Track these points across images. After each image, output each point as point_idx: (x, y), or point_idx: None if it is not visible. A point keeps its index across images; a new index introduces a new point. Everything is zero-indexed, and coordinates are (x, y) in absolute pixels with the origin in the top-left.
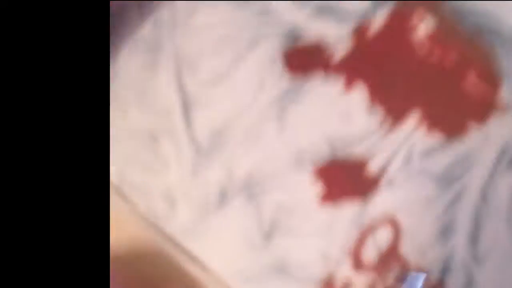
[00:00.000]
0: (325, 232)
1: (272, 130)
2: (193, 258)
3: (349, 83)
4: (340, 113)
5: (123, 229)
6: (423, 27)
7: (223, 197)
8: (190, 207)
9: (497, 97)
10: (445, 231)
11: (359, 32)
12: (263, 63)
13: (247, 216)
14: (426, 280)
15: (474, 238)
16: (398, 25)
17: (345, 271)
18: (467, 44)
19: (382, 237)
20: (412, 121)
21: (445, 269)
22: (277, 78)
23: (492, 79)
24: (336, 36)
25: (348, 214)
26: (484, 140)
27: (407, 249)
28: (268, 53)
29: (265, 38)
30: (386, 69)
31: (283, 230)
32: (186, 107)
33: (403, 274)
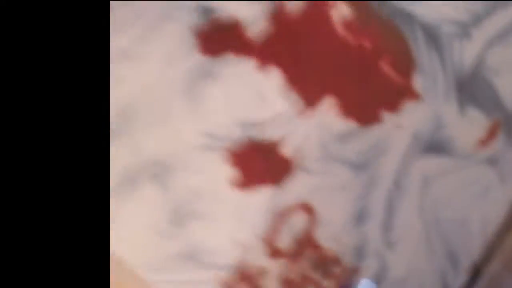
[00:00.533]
0: (237, 217)
1: (181, 109)
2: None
3: (262, 64)
4: (253, 95)
5: None
6: (338, 12)
7: (128, 179)
8: None
9: (410, 86)
10: (359, 217)
11: (275, 12)
12: (173, 38)
13: (154, 200)
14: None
15: (387, 224)
16: (314, 6)
17: (259, 258)
18: (382, 32)
19: (297, 223)
20: (325, 107)
21: (360, 255)
22: (187, 54)
23: (406, 68)
24: (250, 13)
25: (261, 198)
26: (397, 127)
27: (322, 235)
28: (178, 29)
29: (176, 11)
30: (301, 52)
31: (192, 215)
32: None
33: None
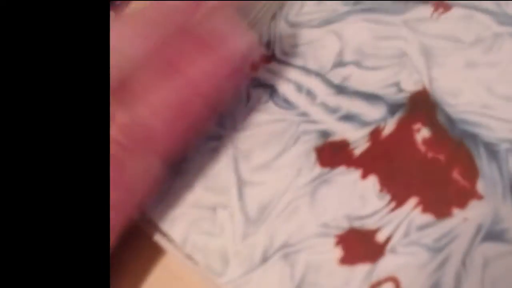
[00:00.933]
0: (342, 286)
1: (305, 207)
2: None
3: (365, 174)
4: (357, 196)
5: (185, 282)
6: (420, 134)
7: (264, 257)
8: (239, 264)
9: (474, 190)
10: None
11: (374, 134)
12: (301, 155)
13: (282, 272)
14: None
15: None
16: (403, 130)
17: None
18: (454, 147)
19: None
20: (411, 204)
21: None
22: (311, 167)
23: (471, 176)
24: (356, 136)
25: (360, 273)
26: (464, 221)
27: None
28: (305, 148)
29: (303, 135)
30: (393, 164)
31: (310, 285)
32: (240, 187)
33: None
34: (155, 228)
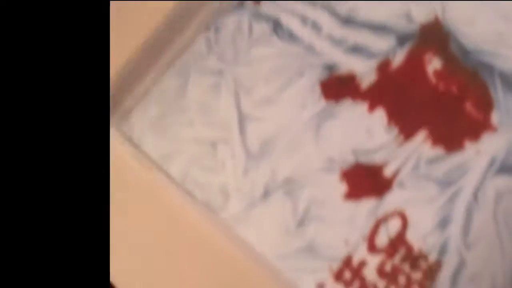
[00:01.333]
0: (347, 222)
1: (309, 142)
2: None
3: (372, 106)
4: (364, 130)
5: (185, 218)
6: (432, 65)
7: (266, 193)
8: (240, 200)
9: (488, 122)
10: (443, 223)
11: (382, 66)
12: (305, 89)
13: (285, 208)
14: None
15: (466, 228)
16: (412, 62)
17: (361, 252)
18: (467, 78)
19: (393, 227)
20: (420, 138)
21: (442, 252)
22: (316, 101)
23: (485, 107)
24: (363, 69)
25: (366, 208)
26: (477, 153)
27: (412, 236)
28: (309, 81)
29: (308, 69)
30: (401, 97)
31: (313, 220)
32: (241, 122)
33: None
34: (155, 165)
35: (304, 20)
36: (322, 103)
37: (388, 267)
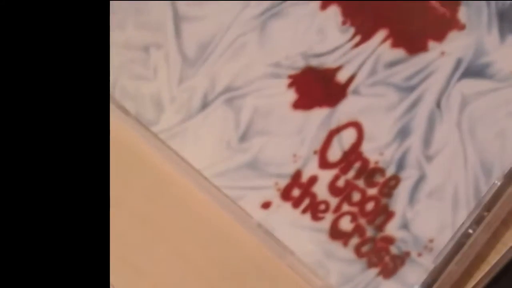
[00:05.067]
0: (296, 134)
1: (253, 44)
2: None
3: (325, 3)
4: (315, 30)
5: (115, 131)
6: None
7: (204, 102)
8: (175, 111)
9: (455, 18)
10: (402, 133)
11: None
12: None
13: (226, 119)
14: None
15: (427, 139)
16: None
17: (311, 168)
18: None
19: (347, 138)
20: (378, 38)
21: (400, 166)
22: None
23: (452, 1)
24: None
25: (318, 118)
26: (441, 55)
27: (368, 148)
28: None
29: None
30: None
31: (257, 132)
32: (177, 23)
33: None
34: None
35: None
36: None
37: (341, 183)
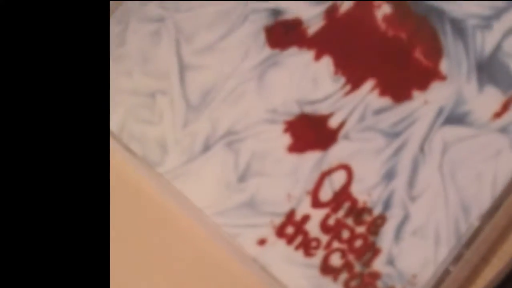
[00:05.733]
0: (291, 176)
1: (252, 91)
2: (179, 195)
3: (318, 55)
4: (309, 80)
5: (122, 172)
6: (381, 10)
7: (206, 146)
8: (179, 153)
9: (437, 70)
10: (388, 175)
11: (330, 11)
12: (249, 35)
13: (226, 162)
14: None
15: (411, 181)
16: (362, 6)
17: (304, 207)
18: (417, 24)
19: (337, 180)
20: (367, 87)
21: (387, 206)
22: (260, 48)
23: (435, 55)
24: (310, 14)
25: (310, 161)
26: (425, 103)
27: (357, 189)
28: (253, 28)
29: (252, 14)
30: (349, 44)
31: (255, 174)
32: (182, 71)
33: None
34: None
35: None
36: (266, 50)
37: (331, 222)
